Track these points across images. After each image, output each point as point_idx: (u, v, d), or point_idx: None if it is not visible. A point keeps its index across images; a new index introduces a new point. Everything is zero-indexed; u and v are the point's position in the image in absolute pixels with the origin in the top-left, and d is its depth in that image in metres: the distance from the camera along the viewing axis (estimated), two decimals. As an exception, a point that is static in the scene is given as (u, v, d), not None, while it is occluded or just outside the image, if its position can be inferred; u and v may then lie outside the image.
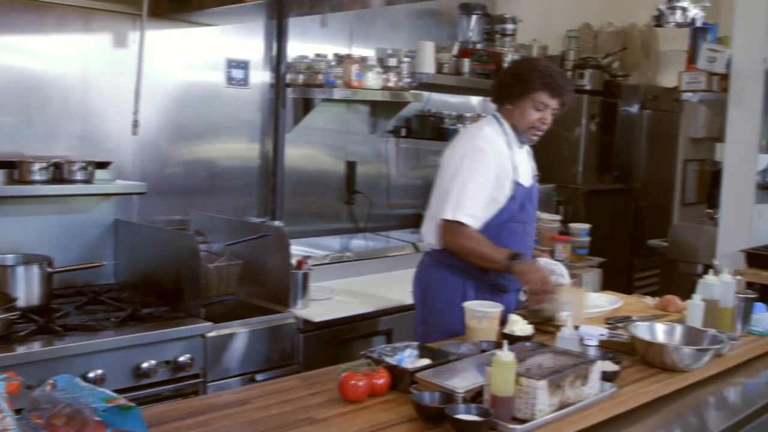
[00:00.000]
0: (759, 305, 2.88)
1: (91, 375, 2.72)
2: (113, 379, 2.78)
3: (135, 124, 3.51)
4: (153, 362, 2.88)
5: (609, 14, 7.01)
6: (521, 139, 3.04)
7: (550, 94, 2.95)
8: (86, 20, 3.48)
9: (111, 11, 3.51)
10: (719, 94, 4.68)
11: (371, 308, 3.58)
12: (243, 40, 4.04)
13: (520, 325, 2.56)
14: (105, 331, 2.86)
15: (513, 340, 2.44)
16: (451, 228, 2.93)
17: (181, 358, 2.96)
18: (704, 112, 6.56)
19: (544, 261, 3.15)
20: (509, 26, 5.27)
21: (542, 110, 2.97)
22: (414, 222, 4.72)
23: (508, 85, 3.01)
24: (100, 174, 3.37)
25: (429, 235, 3.07)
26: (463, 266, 2.99)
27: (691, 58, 4.82)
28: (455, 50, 4.91)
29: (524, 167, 3.07)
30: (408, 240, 4.53)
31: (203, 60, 3.90)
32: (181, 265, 3.21)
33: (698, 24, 3.12)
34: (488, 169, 2.92)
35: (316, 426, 1.89)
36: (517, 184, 2.99)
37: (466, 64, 4.85)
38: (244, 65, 4.03)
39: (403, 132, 4.83)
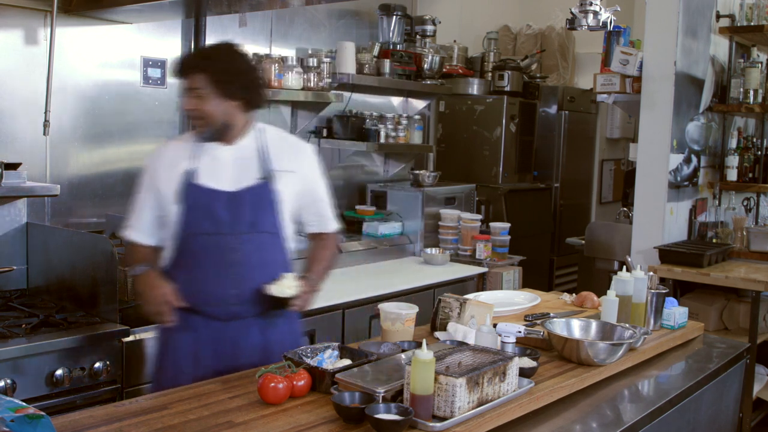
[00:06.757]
0: (670, 300, 2.97)
1: (0, 384, 2.63)
2: (25, 388, 2.70)
3: (46, 124, 3.41)
4: (67, 369, 2.81)
5: (527, 17, 7.16)
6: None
7: (176, 75, 2.58)
8: (-7, 16, 3.37)
9: (19, 6, 3.39)
10: (632, 96, 4.80)
11: (293, 310, 3.54)
12: (160, 39, 3.96)
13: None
14: (16, 338, 2.77)
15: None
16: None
17: (97, 365, 2.89)
18: (619, 114, 6.77)
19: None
20: (429, 27, 5.33)
21: (184, 95, 2.55)
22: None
23: None
24: (9, 175, 3.24)
25: None
26: None
27: (606, 60, 4.94)
28: (376, 51, 4.92)
29: (221, 168, 2.56)
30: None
31: (118, 58, 3.80)
32: (96, 269, 3.13)
33: (610, 27, 3.20)
34: (144, 174, 2.65)
35: (235, 430, 1.87)
36: (195, 187, 2.52)
37: (387, 64, 4.86)
38: (161, 64, 3.95)
39: (325, 132, 4.81)
